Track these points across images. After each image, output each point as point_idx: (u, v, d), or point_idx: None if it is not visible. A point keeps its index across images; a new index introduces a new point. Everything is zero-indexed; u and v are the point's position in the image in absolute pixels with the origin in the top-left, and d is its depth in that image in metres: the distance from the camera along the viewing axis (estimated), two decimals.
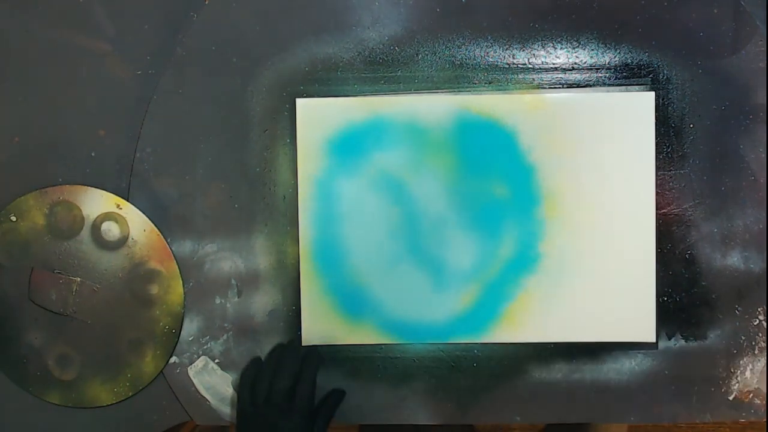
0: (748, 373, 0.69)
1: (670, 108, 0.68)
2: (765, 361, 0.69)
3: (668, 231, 0.69)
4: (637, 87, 0.68)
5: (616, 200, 0.68)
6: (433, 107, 0.68)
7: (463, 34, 0.69)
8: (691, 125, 0.69)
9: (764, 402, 0.69)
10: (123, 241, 0.71)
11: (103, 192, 0.70)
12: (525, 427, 0.71)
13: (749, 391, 0.69)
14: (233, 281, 0.71)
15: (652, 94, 0.68)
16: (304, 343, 0.70)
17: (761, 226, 0.69)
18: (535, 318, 0.69)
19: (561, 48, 0.69)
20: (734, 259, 0.69)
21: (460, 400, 0.71)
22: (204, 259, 0.71)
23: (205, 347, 0.71)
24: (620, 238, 0.68)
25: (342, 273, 0.69)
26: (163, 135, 0.70)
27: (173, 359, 0.71)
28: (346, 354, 0.70)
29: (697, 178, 0.69)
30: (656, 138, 0.68)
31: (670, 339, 0.70)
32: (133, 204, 0.71)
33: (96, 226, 0.71)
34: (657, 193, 0.68)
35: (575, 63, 0.69)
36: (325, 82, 0.69)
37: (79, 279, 0.71)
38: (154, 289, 0.71)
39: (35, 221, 0.71)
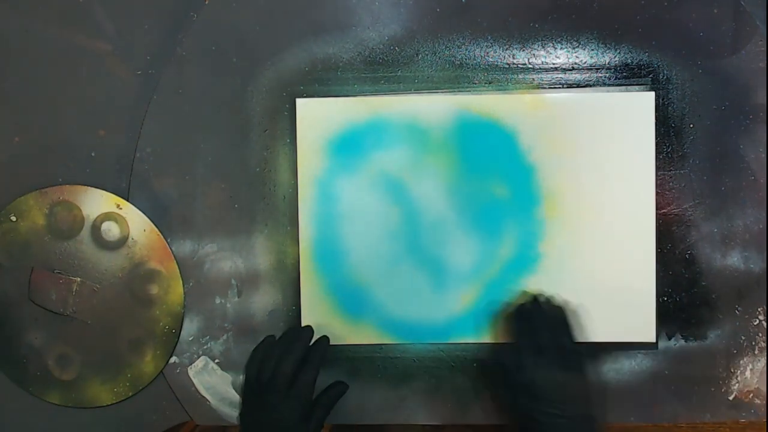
0: (748, 373, 0.69)
1: (670, 108, 0.69)
2: (765, 361, 0.69)
3: (668, 231, 0.69)
4: (637, 87, 0.68)
5: (616, 200, 0.68)
6: (433, 107, 0.69)
7: (463, 34, 0.69)
8: (691, 125, 0.69)
9: (764, 402, 0.69)
10: (123, 241, 0.71)
11: (103, 192, 0.71)
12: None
13: (749, 391, 0.70)
14: (233, 281, 0.71)
15: (652, 94, 0.68)
16: None
17: (761, 226, 0.69)
18: None
19: (561, 48, 0.69)
20: (734, 259, 0.69)
21: (460, 400, 0.71)
22: (204, 259, 0.71)
23: (205, 347, 0.71)
24: (620, 238, 0.68)
25: (342, 273, 0.69)
26: (163, 135, 0.70)
27: (173, 359, 0.71)
28: (346, 354, 0.70)
29: (697, 178, 0.69)
30: (656, 138, 0.68)
31: (670, 339, 0.70)
32: (133, 204, 0.71)
33: (96, 226, 0.71)
34: (657, 193, 0.68)
35: (575, 63, 0.69)
36: (325, 82, 0.69)
37: (79, 279, 0.71)
38: (154, 289, 0.71)
39: (35, 221, 0.71)
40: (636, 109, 0.68)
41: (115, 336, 0.71)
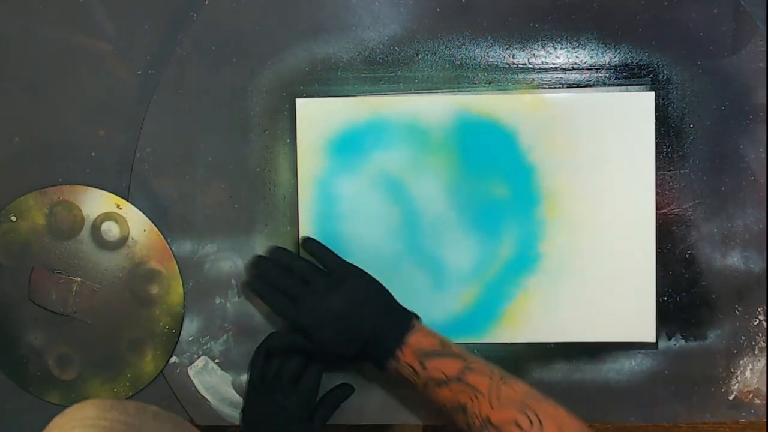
0: (748, 373, 0.69)
1: (670, 108, 0.68)
2: (765, 361, 0.69)
3: (668, 231, 0.69)
4: (637, 87, 0.68)
5: (616, 200, 0.68)
6: (433, 107, 0.68)
7: (463, 34, 0.69)
8: (691, 125, 0.69)
9: (764, 402, 0.69)
10: (123, 241, 0.71)
11: (103, 192, 0.70)
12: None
13: (749, 391, 0.69)
14: (233, 281, 0.71)
15: (652, 94, 0.68)
16: None
17: (761, 226, 0.69)
18: (535, 318, 0.69)
19: (561, 48, 0.69)
20: (734, 259, 0.69)
21: None
22: (204, 259, 0.71)
23: (205, 347, 0.71)
24: (620, 238, 0.68)
25: None
26: (163, 135, 0.70)
27: (173, 359, 0.71)
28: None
29: (697, 178, 0.69)
30: (656, 138, 0.68)
31: (670, 339, 0.70)
32: (133, 204, 0.71)
33: (96, 226, 0.71)
34: (657, 193, 0.68)
35: (575, 63, 0.69)
36: (325, 82, 0.69)
37: (79, 279, 0.71)
38: (154, 289, 0.71)
39: (35, 221, 0.71)
40: (636, 109, 0.68)
41: (115, 336, 0.71)
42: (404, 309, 0.64)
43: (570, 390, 0.70)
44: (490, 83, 0.69)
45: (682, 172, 0.69)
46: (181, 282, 0.71)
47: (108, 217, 0.71)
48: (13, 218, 0.71)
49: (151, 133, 0.70)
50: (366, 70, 0.69)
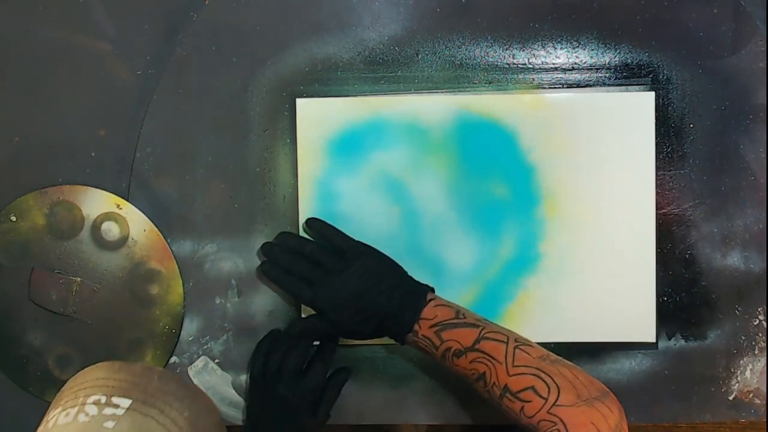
0: (748, 373, 0.69)
1: (670, 108, 0.69)
2: (765, 361, 0.69)
3: (668, 231, 0.69)
4: (637, 87, 0.68)
5: (616, 200, 0.68)
6: (433, 107, 0.69)
7: (463, 34, 0.69)
8: (691, 125, 0.69)
9: (764, 402, 0.69)
10: (123, 241, 0.71)
11: (103, 192, 0.70)
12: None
13: (749, 391, 0.70)
14: (233, 281, 0.71)
15: (652, 94, 0.68)
16: None
17: (761, 226, 0.69)
18: (535, 318, 0.69)
19: (561, 48, 0.69)
20: (734, 259, 0.69)
21: (460, 400, 0.71)
22: (204, 259, 0.71)
23: (205, 347, 0.71)
24: (620, 238, 0.68)
25: None
26: (163, 135, 0.70)
27: (173, 359, 0.71)
28: (346, 354, 0.70)
29: (697, 178, 0.69)
30: (656, 138, 0.68)
31: (670, 339, 0.70)
32: (133, 204, 0.71)
33: (96, 226, 0.71)
34: (657, 193, 0.68)
35: (575, 63, 0.69)
36: (325, 82, 0.69)
37: (79, 279, 0.71)
38: (154, 289, 0.71)
39: (35, 221, 0.71)
40: (636, 109, 0.68)
41: (115, 336, 0.71)
42: (418, 282, 0.64)
43: None
44: (490, 83, 0.69)
45: (682, 172, 0.69)
46: (181, 282, 0.71)
47: (108, 217, 0.71)
48: (13, 218, 0.71)
49: (151, 133, 0.70)
50: (366, 70, 0.69)
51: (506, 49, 0.69)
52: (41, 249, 0.71)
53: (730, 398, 0.69)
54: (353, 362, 0.71)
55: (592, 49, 0.69)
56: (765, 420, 0.69)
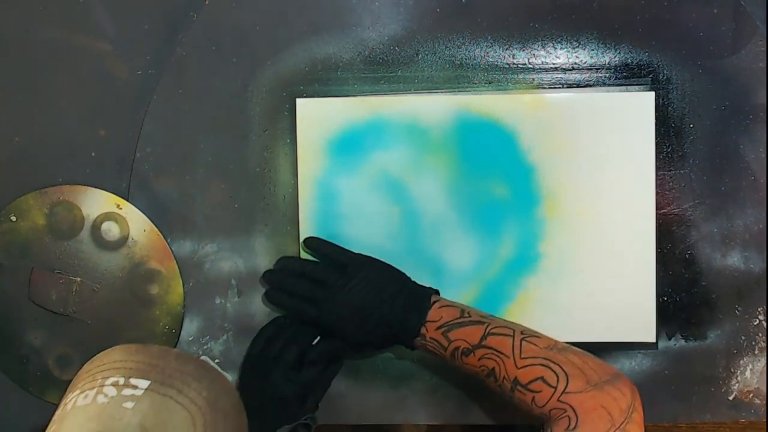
0: (748, 373, 0.69)
1: (670, 108, 0.68)
2: (765, 361, 0.69)
3: (668, 231, 0.69)
4: (637, 87, 0.68)
5: (616, 200, 0.68)
6: (433, 107, 0.68)
7: (463, 34, 0.69)
8: (691, 125, 0.69)
9: (764, 402, 0.69)
10: (123, 241, 0.71)
11: (103, 192, 0.70)
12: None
13: (749, 391, 0.69)
14: (233, 281, 0.71)
15: (652, 94, 0.68)
16: None
17: (761, 226, 0.69)
18: (535, 318, 0.69)
19: (561, 48, 0.69)
20: (734, 259, 0.69)
21: (460, 400, 0.71)
22: (204, 259, 0.71)
23: (205, 347, 0.71)
24: (620, 238, 0.68)
25: None
26: (163, 135, 0.70)
27: None
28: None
29: (697, 178, 0.69)
30: (656, 138, 0.68)
31: (670, 339, 0.70)
32: (133, 204, 0.71)
33: (96, 226, 0.71)
34: (657, 193, 0.68)
35: (575, 63, 0.69)
36: (325, 82, 0.69)
37: (79, 279, 0.71)
38: (154, 289, 0.71)
39: (35, 221, 0.71)
40: (636, 109, 0.68)
41: (115, 336, 0.71)
42: (421, 286, 0.64)
43: None
44: (490, 83, 0.69)
45: (682, 172, 0.69)
46: (181, 282, 0.71)
47: (108, 217, 0.71)
48: (13, 218, 0.71)
49: (151, 133, 0.70)
50: (366, 70, 0.69)
51: (506, 49, 0.69)
52: (41, 249, 0.71)
53: (730, 398, 0.69)
54: (353, 362, 0.71)
55: (592, 49, 0.69)
56: (765, 420, 0.69)
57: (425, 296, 0.62)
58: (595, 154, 0.68)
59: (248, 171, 0.70)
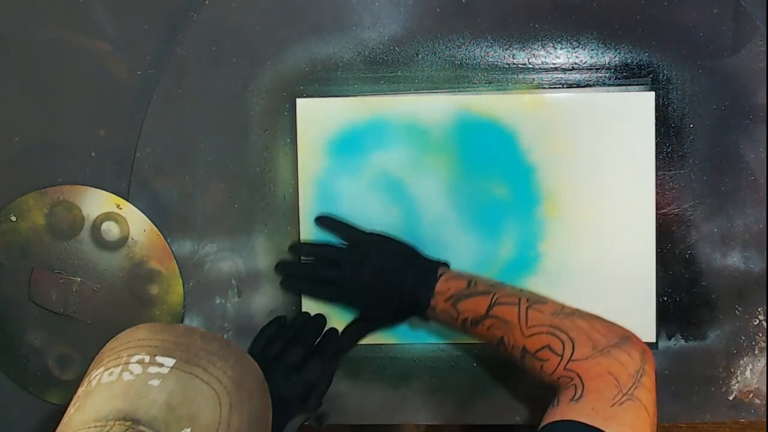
0: (748, 373, 0.69)
1: (670, 108, 0.68)
2: (765, 361, 0.69)
3: (668, 231, 0.69)
4: (637, 87, 0.68)
5: (616, 200, 0.68)
6: (433, 107, 0.68)
7: (463, 34, 0.69)
8: (691, 125, 0.69)
9: (764, 402, 0.69)
10: (123, 241, 0.71)
11: (103, 192, 0.70)
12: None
13: (749, 391, 0.69)
14: (233, 281, 0.71)
15: (652, 94, 0.68)
16: None
17: (761, 226, 0.69)
18: None
19: (561, 48, 0.69)
20: (734, 259, 0.69)
21: (460, 400, 0.71)
22: (204, 259, 0.71)
23: None
24: (620, 238, 0.68)
25: None
26: (163, 135, 0.70)
27: None
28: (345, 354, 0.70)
29: (697, 178, 0.69)
30: (656, 138, 0.68)
31: (670, 339, 0.70)
32: (133, 204, 0.71)
33: (96, 226, 0.71)
34: (657, 193, 0.68)
35: (575, 63, 0.69)
36: (325, 82, 0.69)
37: (79, 279, 0.71)
38: (154, 289, 0.71)
39: (35, 221, 0.71)
40: (636, 109, 0.68)
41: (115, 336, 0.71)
42: (430, 260, 0.65)
43: None
44: (490, 83, 0.69)
45: (682, 172, 0.69)
46: (181, 282, 0.71)
47: (108, 217, 0.71)
48: (13, 218, 0.71)
49: (151, 133, 0.70)
50: (366, 70, 0.69)
51: (506, 49, 0.69)
52: (41, 249, 0.71)
53: (730, 398, 0.69)
54: (353, 362, 0.71)
55: (592, 49, 0.68)
56: (765, 420, 0.69)
57: (432, 269, 0.63)
58: (595, 154, 0.68)
59: (248, 171, 0.70)
